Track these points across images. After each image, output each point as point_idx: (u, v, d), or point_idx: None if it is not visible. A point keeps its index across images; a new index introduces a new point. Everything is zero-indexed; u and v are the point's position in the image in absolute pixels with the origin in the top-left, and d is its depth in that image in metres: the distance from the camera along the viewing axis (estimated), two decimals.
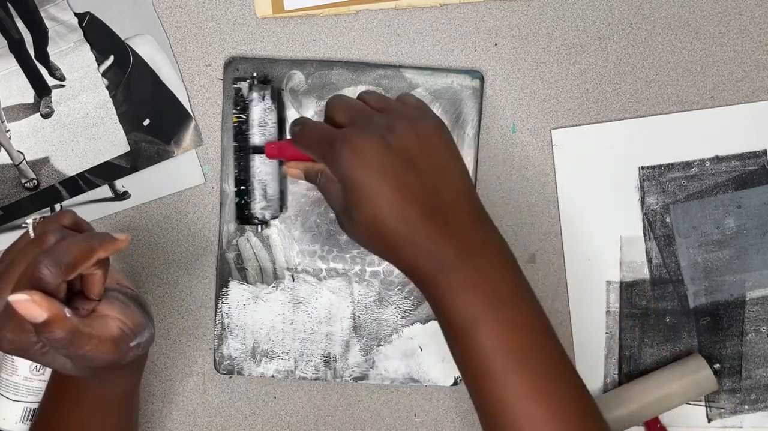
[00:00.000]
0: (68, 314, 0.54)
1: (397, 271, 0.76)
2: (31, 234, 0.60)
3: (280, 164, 0.74)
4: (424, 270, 0.60)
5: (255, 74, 0.74)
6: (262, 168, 0.73)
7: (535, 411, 0.59)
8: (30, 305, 0.52)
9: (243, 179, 0.74)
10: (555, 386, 0.59)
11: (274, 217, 0.75)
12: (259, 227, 0.75)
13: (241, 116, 0.73)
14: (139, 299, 0.62)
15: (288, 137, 0.70)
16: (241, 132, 0.74)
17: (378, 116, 0.64)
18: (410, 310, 0.77)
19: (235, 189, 0.74)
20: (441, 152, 0.63)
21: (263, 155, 0.73)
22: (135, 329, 0.58)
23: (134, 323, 0.58)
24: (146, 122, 0.76)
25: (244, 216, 0.75)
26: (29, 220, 0.61)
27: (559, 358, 0.61)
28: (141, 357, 0.64)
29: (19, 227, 0.76)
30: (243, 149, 0.74)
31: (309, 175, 0.67)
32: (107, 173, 0.76)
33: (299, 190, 0.76)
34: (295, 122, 0.68)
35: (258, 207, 0.74)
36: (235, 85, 0.74)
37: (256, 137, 0.73)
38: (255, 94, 0.73)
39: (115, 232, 0.58)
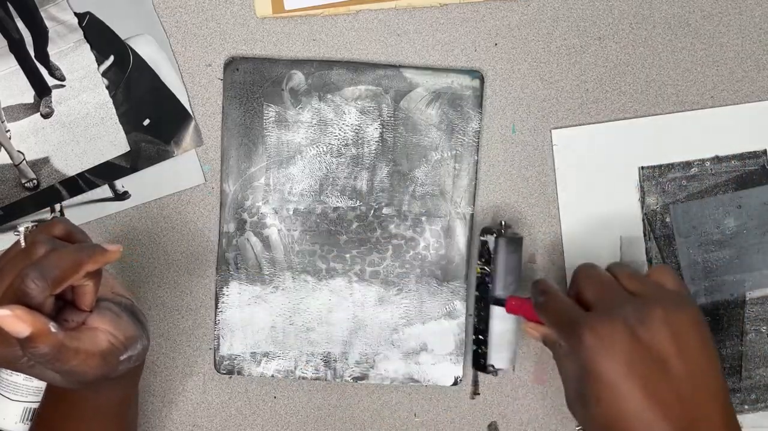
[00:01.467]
0: (53, 330, 0.53)
1: (397, 271, 0.76)
2: (22, 244, 0.58)
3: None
4: None
5: (503, 223, 0.74)
6: (500, 320, 0.73)
7: None
8: (13, 321, 0.51)
9: (482, 329, 0.74)
10: None
11: (507, 367, 0.75)
12: (493, 374, 0.75)
13: (485, 267, 0.73)
14: (134, 310, 0.60)
15: (530, 296, 0.69)
16: (483, 283, 0.74)
17: (630, 300, 0.58)
18: (410, 310, 0.77)
19: (474, 338, 0.75)
20: (698, 352, 0.56)
21: (503, 308, 0.72)
22: (126, 342, 0.57)
23: (125, 336, 0.57)
24: (146, 122, 0.76)
25: (480, 364, 0.74)
26: (21, 228, 0.59)
27: None
28: (137, 366, 0.63)
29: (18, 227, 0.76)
30: (484, 300, 0.74)
31: (548, 341, 0.64)
32: (107, 173, 0.76)
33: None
34: (540, 290, 0.64)
35: (495, 357, 0.74)
36: (482, 238, 0.74)
37: (499, 290, 0.73)
38: (501, 249, 0.73)
39: (107, 243, 0.57)
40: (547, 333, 0.64)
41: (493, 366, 0.74)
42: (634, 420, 0.54)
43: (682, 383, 0.55)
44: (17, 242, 0.59)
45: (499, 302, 0.73)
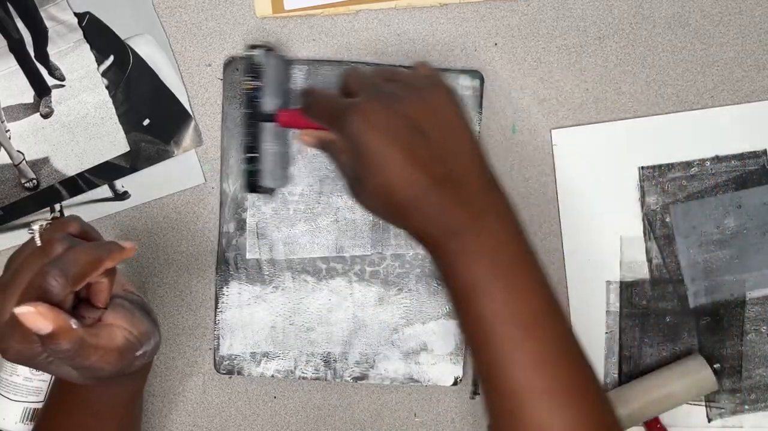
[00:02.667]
0: (74, 326, 0.53)
1: (397, 271, 0.76)
2: (38, 242, 0.59)
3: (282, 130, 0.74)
4: (434, 236, 0.61)
5: (267, 44, 0.74)
6: (271, 138, 0.73)
7: (535, 381, 0.59)
8: (35, 318, 0.52)
9: (252, 147, 0.73)
10: (556, 356, 0.59)
11: (280, 187, 0.75)
12: (264, 195, 0.75)
13: (255, 82, 0.72)
14: (145, 306, 0.61)
15: (298, 106, 0.70)
16: (252, 99, 0.73)
17: (388, 85, 0.64)
18: (410, 310, 0.77)
19: (244, 157, 0.74)
20: (450, 118, 0.63)
21: (274, 124, 0.72)
22: (141, 338, 0.58)
23: (140, 332, 0.58)
24: (146, 122, 0.76)
25: (253, 185, 0.74)
26: (35, 226, 0.59)
27: (562, 329, 0.61)
28: (147, 363, 0.63)
29: (18, 227, 0.76)
30: (254, 117, 0.73)
31: (322, 144, 0.67)
32: (107, 173, 0.76)
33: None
34: (305, 92, 0.68)
35: (268, 176, 0.73)
36: (249, 52, 0.73)
37: (268, 105, 0.73)
38: (271, 62, 0.73)
39: (122, 240, 0.58)
40: (321, 136, 0.67)
41: (265, 187, 0.74)
42: (399, 179, 0.60)
43: (436, 143, 0.61)
44: (31, 240, 0.59)
45: (269, 119, 0.72)
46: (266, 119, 0.73)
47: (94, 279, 0.56)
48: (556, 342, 0.60)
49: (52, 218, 0.62)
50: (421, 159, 0.60)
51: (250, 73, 0.73)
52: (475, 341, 0.61)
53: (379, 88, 0.64)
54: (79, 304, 0.58)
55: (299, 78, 0.76)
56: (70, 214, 0.69)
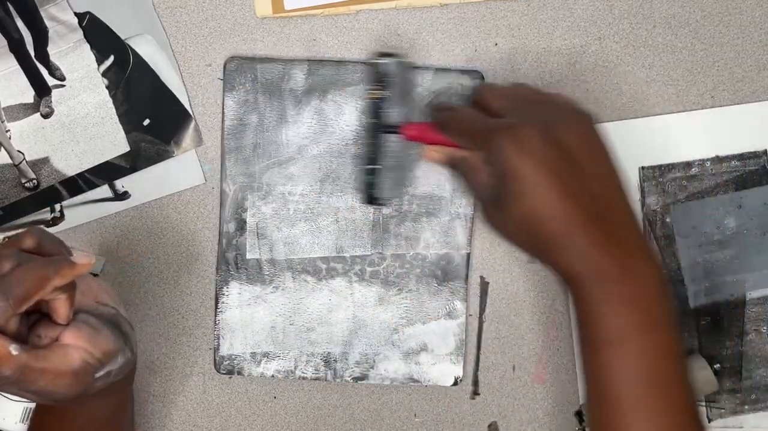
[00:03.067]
0: (14, 352, 0.50)
1: (397, 271, 0.76)
2: None
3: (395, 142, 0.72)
4: (580, 277, 0.58)
5: (397, 52, 0.72)
6: (393, 150, 0.71)
7: None
8: None
9: (373, 158, 0.71)
10: (684, 424, 0.57)
11: (396, 198, 0.73)
12: (381, 209, 0.73)
13: (381, 92, 0.69)
14: (117, 321, 0.58)
15: (427, 119, 0.68)
16: (377, 109, 0.71)
17: (540, 107, 0.62)
18: (410, 310, 0.77)
19: (365, 168, 0.72)
20: (602, 153, 0.61)
21: (398, 136, 0.70)
22: (103, 358, 0.55)
23: (103, 351, 0.55)
24: (146, 122, 0.76)
25: (371, 197, 0.72)
26: None
27: (689, 391, 0.58)
28: (127, 375, 0.61)
29: (18, 227, 0.76)
30: (377, 128, 0.71)
31: (453, 161, 0.65)
32: (107, 173, 0.76)
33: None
34: (442, 107, 0.66)
35: (385, 192, 0.71)
36: (377, 60, 0.71)
37: (395, 116, 0.70)
38: (398, 72, 0.70)
39: (80, 254, 0.54)
40: (453, 153, 0.65)
41: (384, 200, 0.72)
42: (551, 210, 0.57)
43: (592, 179, 0.59)
44: None
45: (393, 131, 0.70)
46: (390, 131, 0.71)
47: (48, 297, 0.53)
48: (685, 407, 0.57)
49: (12, 236, 0.58)
50: (577, 192, 0.58)
51: (376, 82, 0.71)
52: (600, 394, 0.58)
53: (531, 111, 0.61)
54: (40, 320, 0.55)
55: (299, 78, 0.75)
56: (30, 227, 0.65)
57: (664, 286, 0.58)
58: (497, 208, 0.60)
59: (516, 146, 0.58)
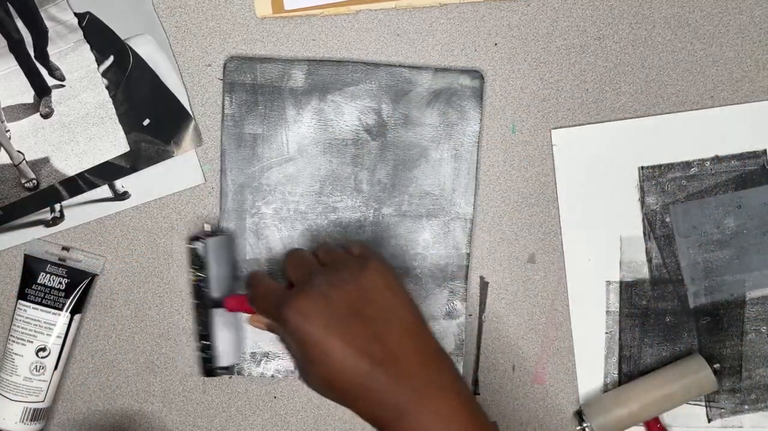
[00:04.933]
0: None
1: (396, 271, 0.76)
2: None
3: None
4: (382, 419, 0.61)
5: (209, 228, 0.75)
6: (223, 322, 0.74)
7: None
8: None
9: (205, 335, 0.74)
10: None
11: (236, 364, 0.76)
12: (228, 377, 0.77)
13: (199, 274, 0.73)
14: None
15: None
16: (199, 289, 0.73)
17: (321, 272, 0.64)
18: None
19: (199, 344, 0.74)
20: (384, 295, 0.63)
21: (223, 309, 0.73)
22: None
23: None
24: (146, 122, 0.76)
25: (210, 370, 0.74)
26: None
27: None
28: None
29: (18, 227, 0.76)
30: (203, 306, 0.73)
31: (271, 328, 0.68)
32: (107, 173, 0.76)
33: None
34: (248, 281, 0.69)
35: (224, 358, 0.74)
36: (190, 246, 0.73)
37: (215, 292, 0.73)
38: (211, 252, 0.73)
39: None
40: (269, 322, 0.68)
41: (223, 368, 0.74)
42: (340, 368, 0.60)
43: (373, 323, 0.61)
44: None
45: (218, 304, 0.73)
46: (216, 305, 0.73)
47: None
48: None
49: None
50: (358, 343, 0.60)
51: (194, 265, 0.73)
52: None
53: (313, 276, 0.64)
54: None
55: (299, 78, 0.76)
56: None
57: (462, 409, 0.60)
58: (305, 371, 0.63)
59: (297, 316, 0.61)
